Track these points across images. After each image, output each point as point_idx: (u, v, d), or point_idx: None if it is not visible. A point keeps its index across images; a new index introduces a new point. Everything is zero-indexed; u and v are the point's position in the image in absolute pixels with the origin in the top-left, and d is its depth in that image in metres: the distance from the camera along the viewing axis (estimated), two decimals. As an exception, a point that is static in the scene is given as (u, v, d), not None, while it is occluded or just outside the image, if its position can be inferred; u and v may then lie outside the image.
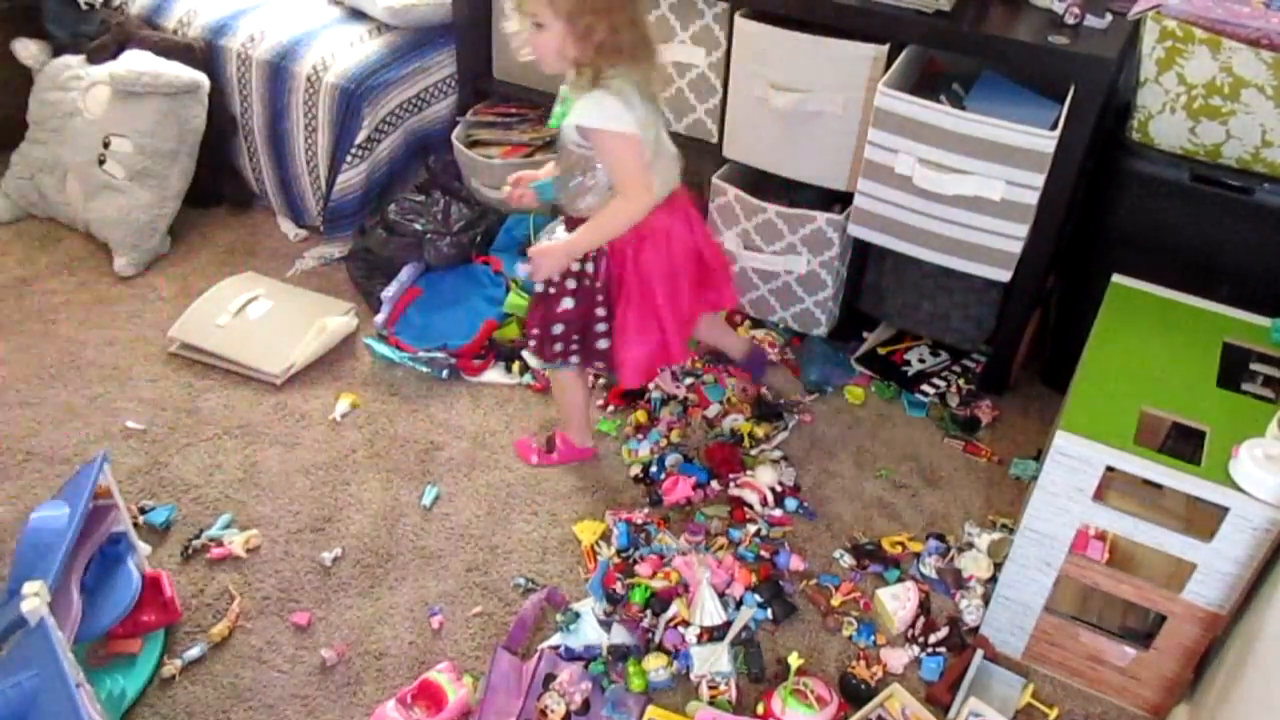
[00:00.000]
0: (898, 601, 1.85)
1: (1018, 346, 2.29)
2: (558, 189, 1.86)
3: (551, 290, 1.87)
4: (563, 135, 1.77)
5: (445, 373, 2.33)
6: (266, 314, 2.43)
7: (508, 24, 1.72)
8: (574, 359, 1.95)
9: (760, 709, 1.69)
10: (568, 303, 1.87)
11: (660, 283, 1.84)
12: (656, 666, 1.72)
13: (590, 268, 1.84)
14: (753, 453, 2.16)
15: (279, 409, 2.25)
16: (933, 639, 1.81)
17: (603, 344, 1.91)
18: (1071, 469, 1.55)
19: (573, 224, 1.84)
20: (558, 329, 1.90)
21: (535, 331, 1.94)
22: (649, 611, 1.82)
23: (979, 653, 1.76)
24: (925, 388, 2.35)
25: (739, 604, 1.84)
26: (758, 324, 2.51)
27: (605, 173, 1.75)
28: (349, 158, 2.59)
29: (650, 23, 1.73)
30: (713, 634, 1.78)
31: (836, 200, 2.30)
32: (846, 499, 2.10)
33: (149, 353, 2.39)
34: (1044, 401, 2.34)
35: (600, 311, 1.88)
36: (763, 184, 2.39)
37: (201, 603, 1.83)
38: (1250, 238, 1.93)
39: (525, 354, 2.32)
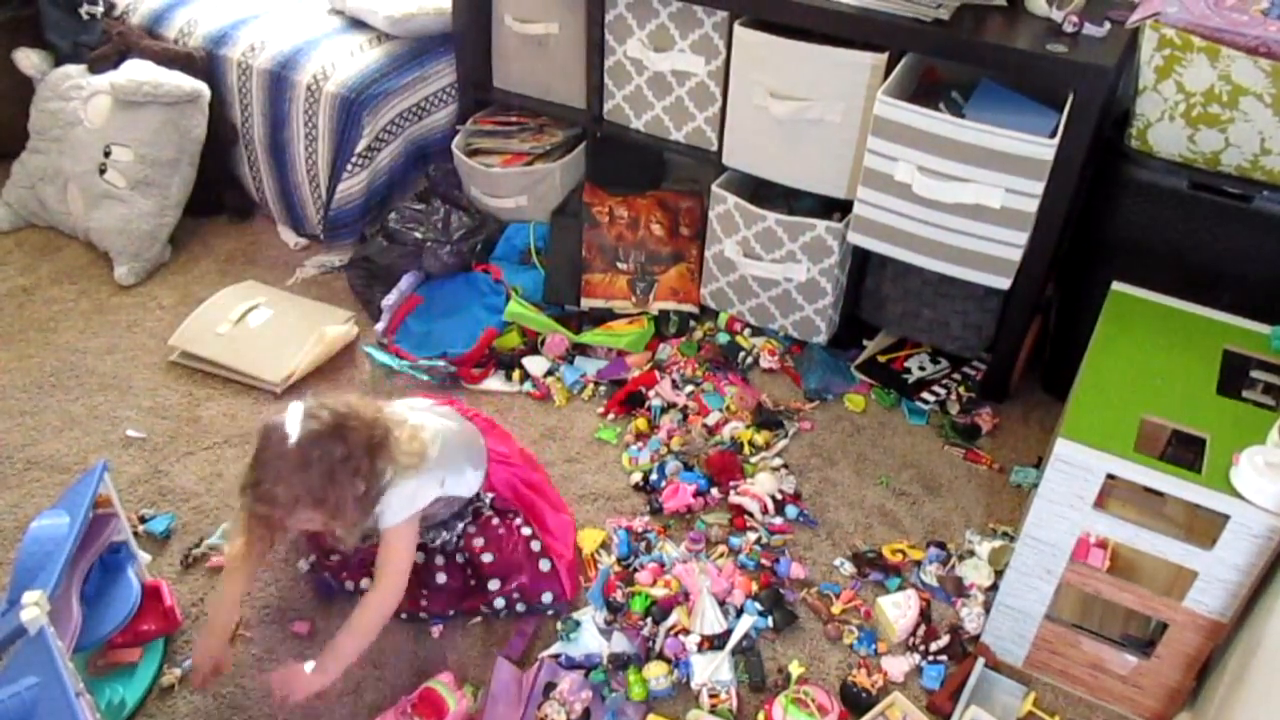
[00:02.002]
0: (899, 609, 1.85)
1: (1018, 354, 2.29)
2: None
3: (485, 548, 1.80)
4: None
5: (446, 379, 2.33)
6: (267, 322, 2.43)
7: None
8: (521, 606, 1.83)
9: (761, 717, 1.69)
10: (488, 557, 1.79)
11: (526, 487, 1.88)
12: (657, 675, 1.71)
13: (488, 500, 1.82)
14: (753, 460, 2.16)
15: (279, 417, 2.24)
16: (934, 647, 1.80)
17: (545, 564, 1.81)
18: (1072, 476, 1.55)
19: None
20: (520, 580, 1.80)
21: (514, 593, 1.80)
22: (649, 620, 1.82)
23: (980, 661, 1.76)
24: (925, 395, 2.35)
25: (739, 612, 1.84)
26: (757, 332, 2.51)
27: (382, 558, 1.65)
28: (349, 166, 2.60)
29: (373, 424, 1.59)
30: (713, 642, 1.78)
31: (836, 208, 2.30)
32: (847, 507, 2.10)
33: (149, 361, 2.39)
34: (1044, 409, 2.34)
35: (526, 530, 1.82)
36: (762, 192, 2.39)
37: (201, 611, 1.83)
38: (1249, 245, 1.93)
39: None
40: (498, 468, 1.85)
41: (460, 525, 1.82)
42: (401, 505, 1.62)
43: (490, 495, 1.84)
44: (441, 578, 1.80)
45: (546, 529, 1.86)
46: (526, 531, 1.83)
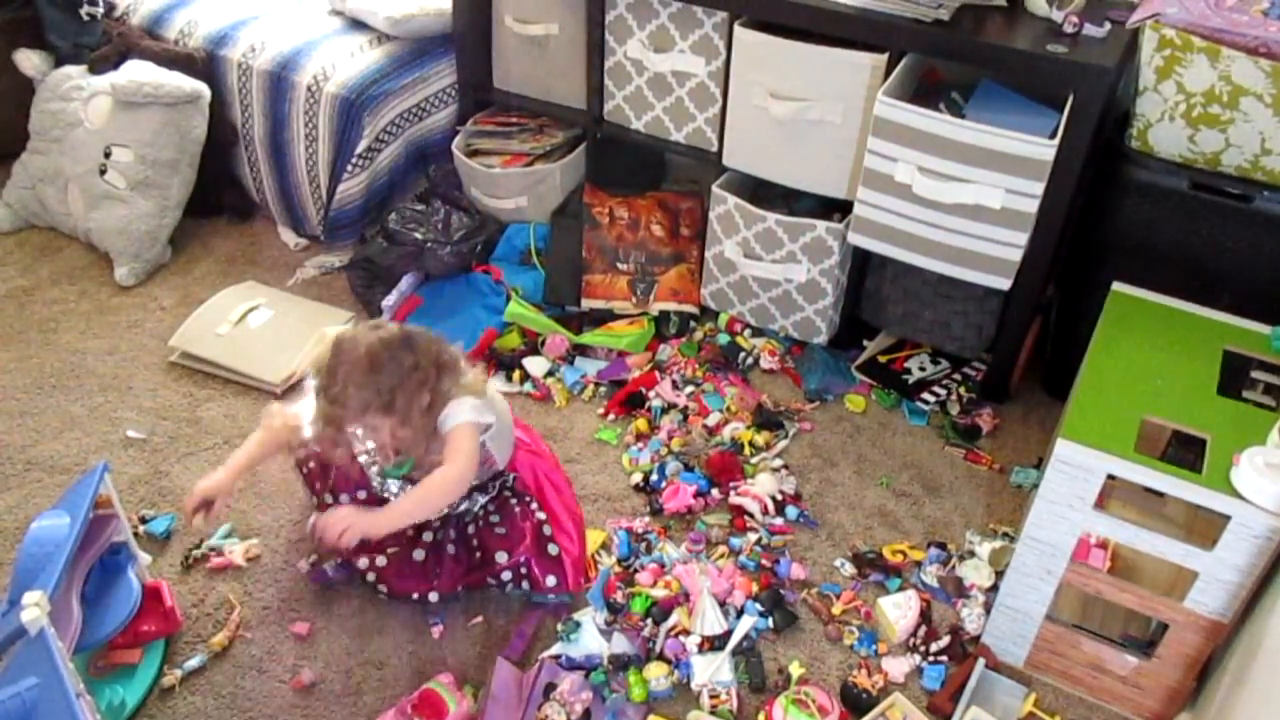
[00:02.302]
0: (899, 610, 1.85)
1: (1018, 354, 2.29)
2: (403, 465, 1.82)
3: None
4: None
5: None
6: (267, 323, 2.43)
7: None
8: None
9: (761, 718, 1.68)
10: (501, 531, 1.85)
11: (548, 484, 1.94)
12: (657, 676, 1.71)
13: (510, 479, 1.89)
14: (753, 461, 2.16)
15: (279, 418, 2.24)
16: (934, 648, 1.80)
17: (553, 549, 1.84)
18: (1073, 477, 1.55)
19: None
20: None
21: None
22: (650, 620, 1.82)
23: (980, 661, 1.76)
24: (926, 396, 2.35)
25: (740, 613, 1.84)
26: (758, 332, 2.51)
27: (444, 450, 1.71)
28: (349, 167, 2.60)
29: (439, 349, 1.70)
30: (714, 643, 1.78)
31: (836, 208, 2.30)
32: (847, 507, 2.10)
33: (150, 362, 2.39)
34: (1045, 409, 2.34)
35: (540, 515, 1.87)
36: (762, 192, 2.39)
37: (202, 612, 1.83)
38: (1250, 245, 1.93)
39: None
40: (523, 454, 1.92)
41: (482, 499, 1.87)
42: (466, 411, 1.70)
43: (513, 475, 1.89)
44: (451, 549, 1.85)
45: (559, 523, 1.88)
46: (540, 516, 1.86)
